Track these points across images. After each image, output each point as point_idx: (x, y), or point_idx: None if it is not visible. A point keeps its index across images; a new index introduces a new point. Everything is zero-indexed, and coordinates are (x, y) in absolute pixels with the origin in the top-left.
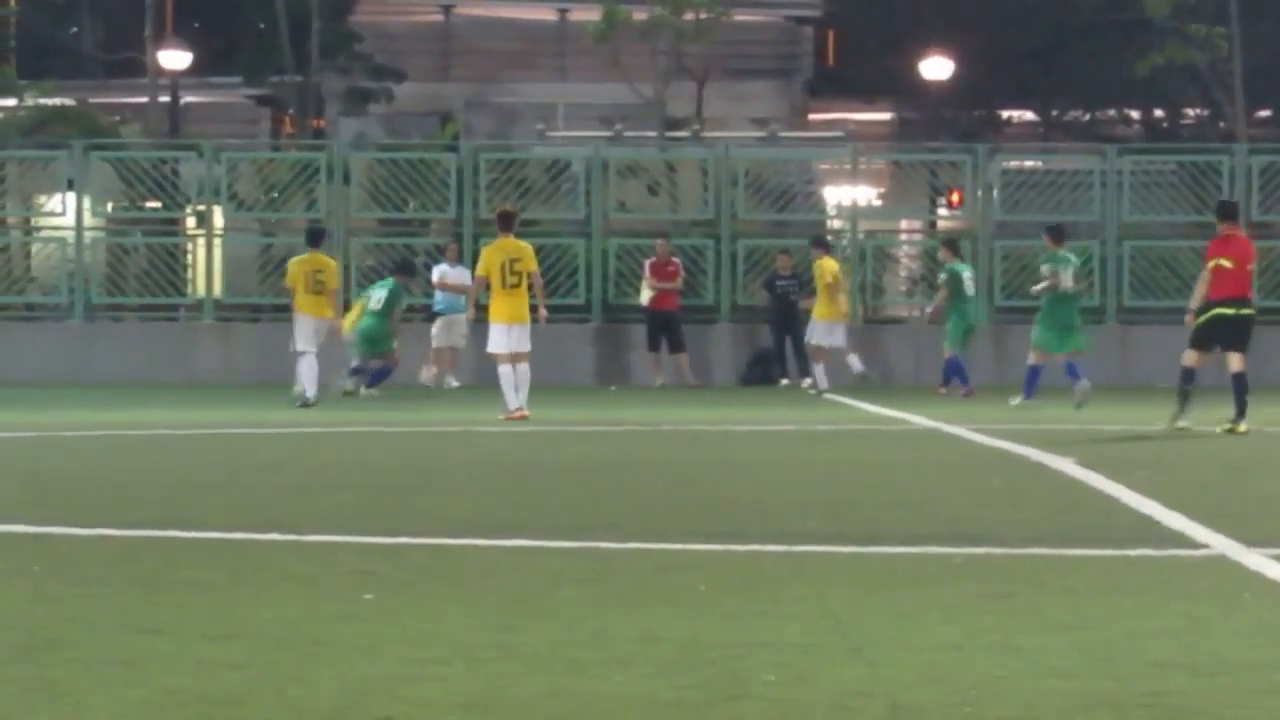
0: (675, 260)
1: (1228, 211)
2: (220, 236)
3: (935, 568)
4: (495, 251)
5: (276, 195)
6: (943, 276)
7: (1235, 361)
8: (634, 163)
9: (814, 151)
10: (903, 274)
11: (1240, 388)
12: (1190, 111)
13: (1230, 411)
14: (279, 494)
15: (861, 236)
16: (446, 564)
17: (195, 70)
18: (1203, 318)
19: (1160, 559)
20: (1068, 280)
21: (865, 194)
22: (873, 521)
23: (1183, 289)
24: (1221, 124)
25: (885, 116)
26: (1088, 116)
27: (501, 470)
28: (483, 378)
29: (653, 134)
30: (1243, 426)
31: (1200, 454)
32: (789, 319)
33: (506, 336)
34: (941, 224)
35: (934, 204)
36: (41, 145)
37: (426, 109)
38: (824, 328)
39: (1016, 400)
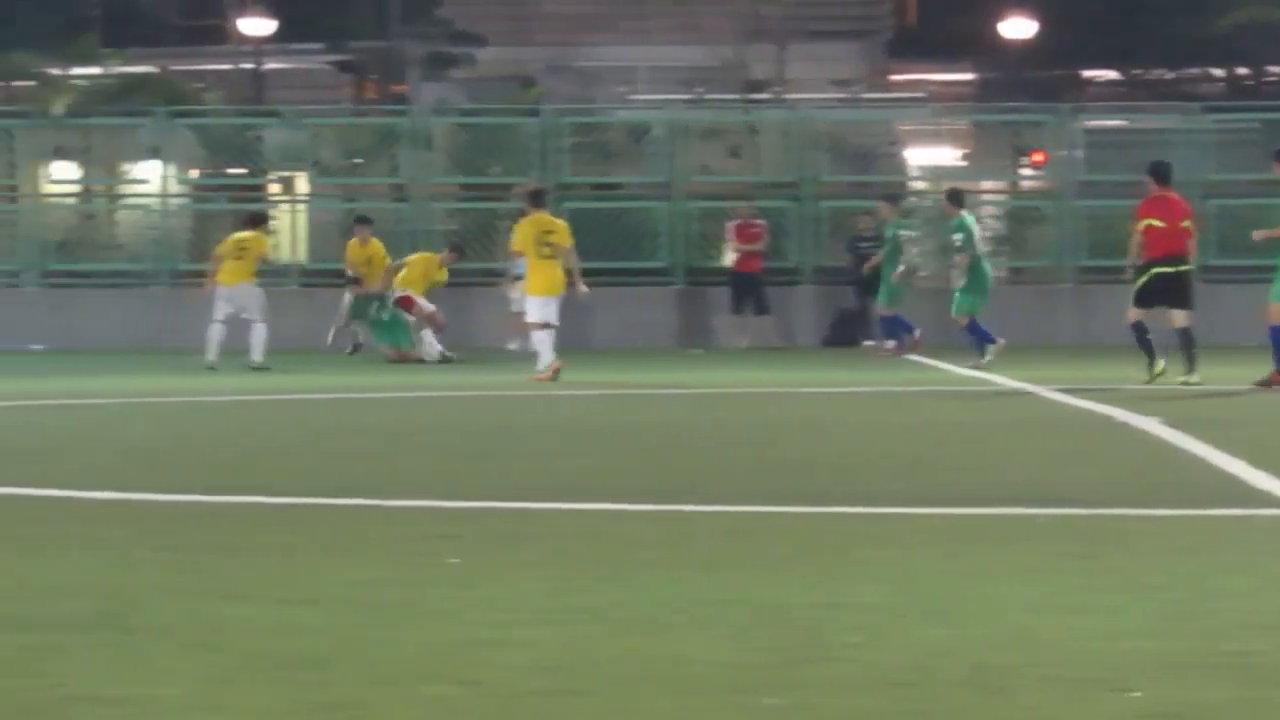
0: (759, 222)
1: (1160, 172)
2: (304, 202)
3: (1018, 528)
4: (528, 225)
5: (359, 161)
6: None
7: (1179, 318)
8: (715, 125)
9: (895, 113)
10: (987, 234)
11: (1187, 342)
12: (1273, 69)
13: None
14: (358, 458)
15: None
16: (526, 528)
17: (277, 37)
18: (1142, 277)
19: (1246, 518)
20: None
21: (947, 155)
22: (955, 483)
23: (1268, 247)
24: None
25: (966, 77)
26: (1170, 75)
27: (579, 434)
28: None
29: (734, 97)
30: (1195, 378)
31: None
32: (871, 280)
33: (544, 308)
34: (1025, 184)
35: (1016, 164)
36: (124, 113)
37: (507, 74)
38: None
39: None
